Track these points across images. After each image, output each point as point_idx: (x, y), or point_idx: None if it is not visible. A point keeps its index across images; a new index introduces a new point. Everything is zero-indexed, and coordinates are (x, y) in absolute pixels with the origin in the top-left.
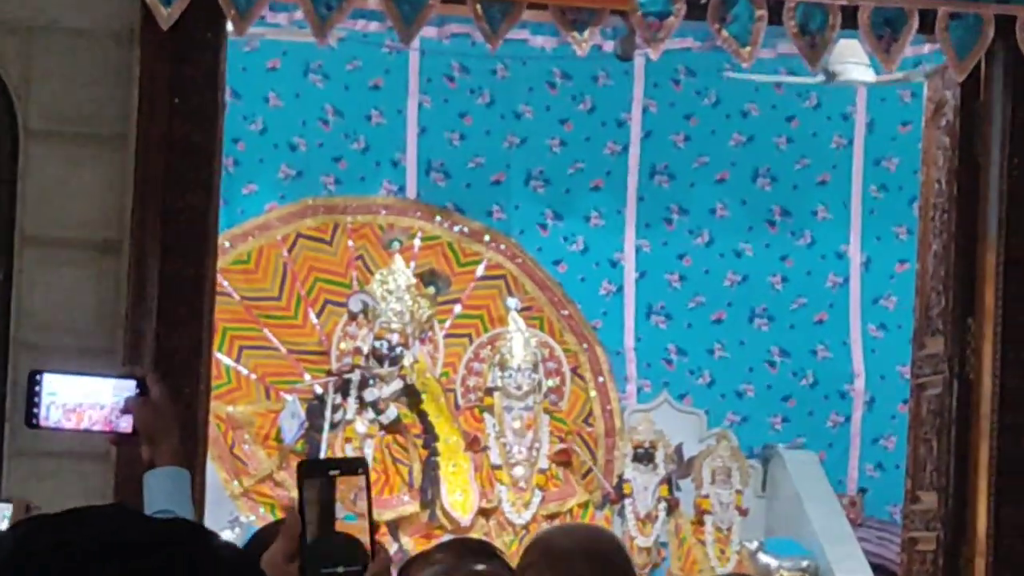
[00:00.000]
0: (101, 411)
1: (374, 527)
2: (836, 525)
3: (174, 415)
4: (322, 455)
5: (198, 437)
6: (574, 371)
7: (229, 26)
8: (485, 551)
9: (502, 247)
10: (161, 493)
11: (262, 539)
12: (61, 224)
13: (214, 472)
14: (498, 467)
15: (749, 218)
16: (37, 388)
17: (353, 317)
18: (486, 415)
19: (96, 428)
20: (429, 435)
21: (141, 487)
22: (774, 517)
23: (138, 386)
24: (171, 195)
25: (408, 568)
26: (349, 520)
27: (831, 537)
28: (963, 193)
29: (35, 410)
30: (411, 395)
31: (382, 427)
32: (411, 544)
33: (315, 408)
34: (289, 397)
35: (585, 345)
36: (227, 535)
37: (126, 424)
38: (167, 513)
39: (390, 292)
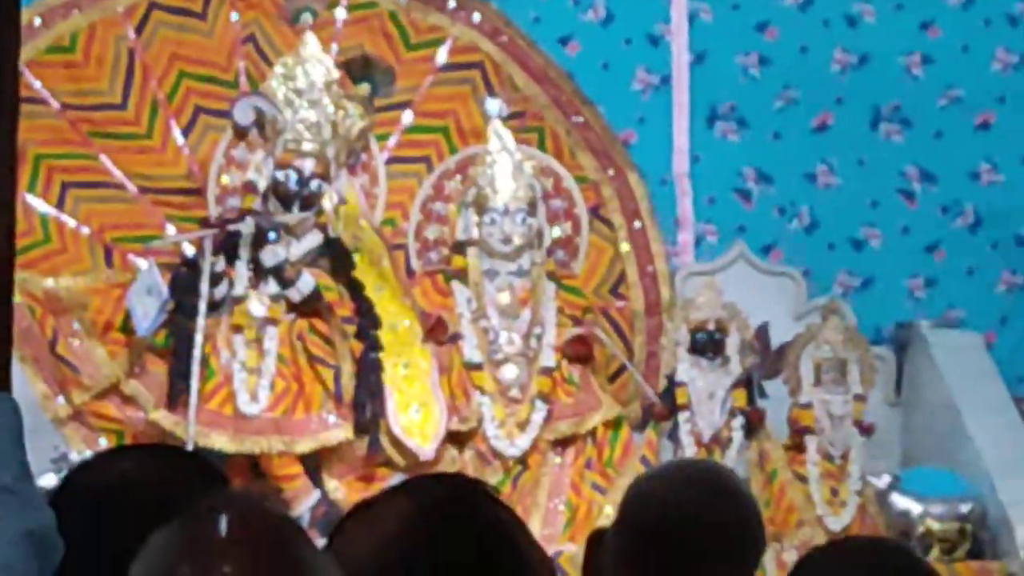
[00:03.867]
0: None
1: None
2: (1013, 446)
3: None
4: (197, 351)
5: None
6: (594, 212)
7: None
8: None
9: (476, 17)
10: None
11: None
12: None
13: (25, 384)
14: (477, 366)
15: None
16: None
17: (241, 134)
18: (456, 285)
19: None
20: (366, 319)
21: None
22: (915, 436)
23: None
24: None
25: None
26: None
27: (1005, 464)
28: None
29: None
30: (336, 256)
31: (291, 307)
32: (342, 490)
33: (184, 279)
34: (143, 263)
35: (611, 171)
36: (49, 480)
37: None
38: None
39: (299, 93)
